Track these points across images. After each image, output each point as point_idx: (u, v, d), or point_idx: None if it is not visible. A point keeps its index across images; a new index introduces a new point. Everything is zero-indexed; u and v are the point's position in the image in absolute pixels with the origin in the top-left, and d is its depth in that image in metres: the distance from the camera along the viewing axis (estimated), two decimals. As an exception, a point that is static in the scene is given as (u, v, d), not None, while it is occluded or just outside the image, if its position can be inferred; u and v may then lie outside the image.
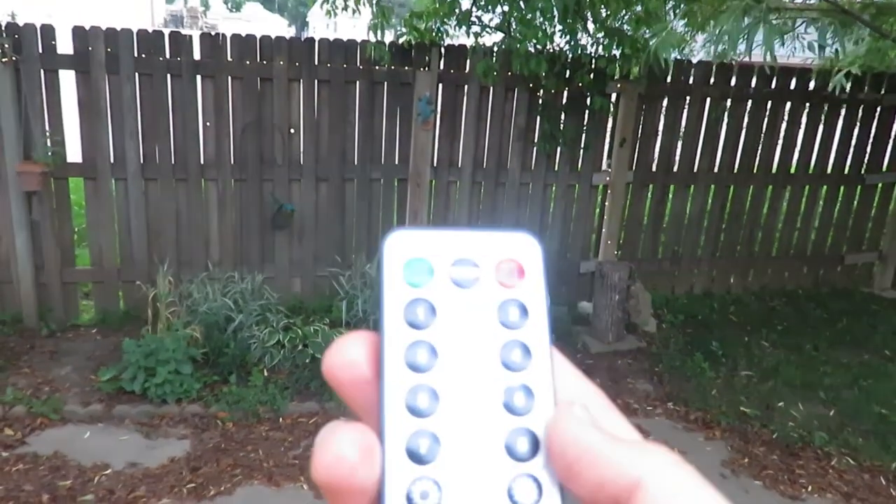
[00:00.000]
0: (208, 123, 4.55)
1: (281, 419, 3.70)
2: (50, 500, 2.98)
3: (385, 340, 0.28)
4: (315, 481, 0.26)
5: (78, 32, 4.23)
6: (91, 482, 3.12)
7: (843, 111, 5.65)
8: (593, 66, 4.86)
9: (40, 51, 4.19)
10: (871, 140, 5.80)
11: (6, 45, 4.06)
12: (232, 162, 4.62)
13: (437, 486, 0.27)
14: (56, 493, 3.02)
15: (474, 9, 4.83)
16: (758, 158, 5.58)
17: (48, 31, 4.20)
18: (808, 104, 5.54)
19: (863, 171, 5.87)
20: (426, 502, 0.26)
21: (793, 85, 5.46)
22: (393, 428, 0.27)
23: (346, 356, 0.28)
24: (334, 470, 0.26)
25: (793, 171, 5.74)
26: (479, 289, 0.29)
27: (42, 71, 4.22)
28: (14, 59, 4.11)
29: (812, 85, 5.46)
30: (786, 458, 3.64)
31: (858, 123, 5.71)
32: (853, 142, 5.76)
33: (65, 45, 4.23)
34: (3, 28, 4.12)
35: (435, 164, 4.92)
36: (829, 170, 5.81)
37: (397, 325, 0.28)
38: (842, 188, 5.89)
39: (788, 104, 5.50)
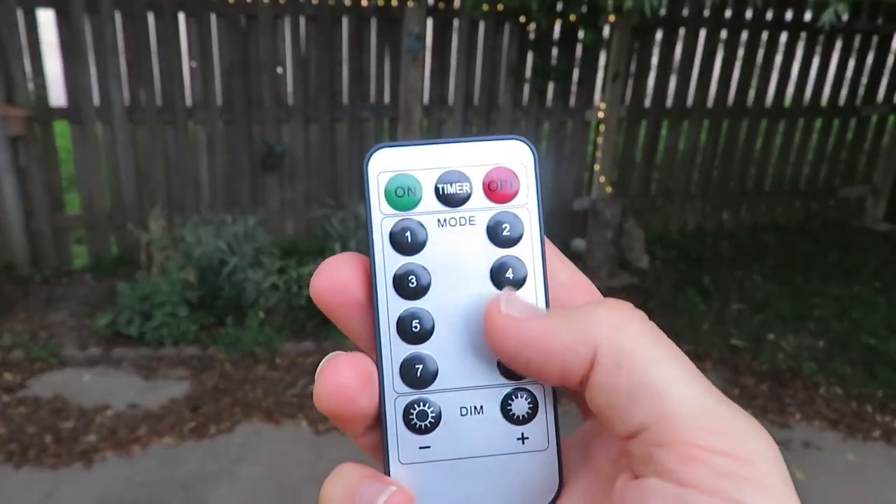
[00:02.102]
0: (193, 63, 4.45)
1: (278, 359, 3.75)
2: (53, 441, 3.03)
3: (375, 266, 0.27)
4: (319, 409, 0.27)
5: (54, -30, 4.10)
6: (93, 423, 3.16)
7: (838, 42, 5.57)
8: (586, -2, 4.75)
9: (17, -10, 4.07)
10: (866, 71, 5.73)
11: (-19, -15, 3.93)
12: (219, 103, 4.55)
13: (433, 406, 0.27)
14: (59, 435, 3.07)
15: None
16: (752, 92, 5.52)
17: (23, -31, 4.07)
18: (803, 34, 5.45)
19: (857, 104, 5.82)
20: (423, 423, 0.27)
21: (788, 15, 5.36)
22: (388, 354, 0.27)
23: (334, 279, 0.28)
24: (336, 398, 0.27)
25: (787, 104, 5.69)
26: (466, 211, 0.28)
27: (20, 11, 4.10)
28: (-10, -2, 3.99)
29: (808, 15, 5.36)
30: (775, 388, 3.71)
31: (854, 54, 5.63)
32: (848, 73, 5.69)
33: (42, -16, 4.11)
34: (-24, -34, 3.99)
35: (426, 102, 4.86)
36: (823, 102, 5.75)
37: (386, 250, 0.28)
38: (836, 121, 5.85)
39: (784, 35, 5.41)
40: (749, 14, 5.27)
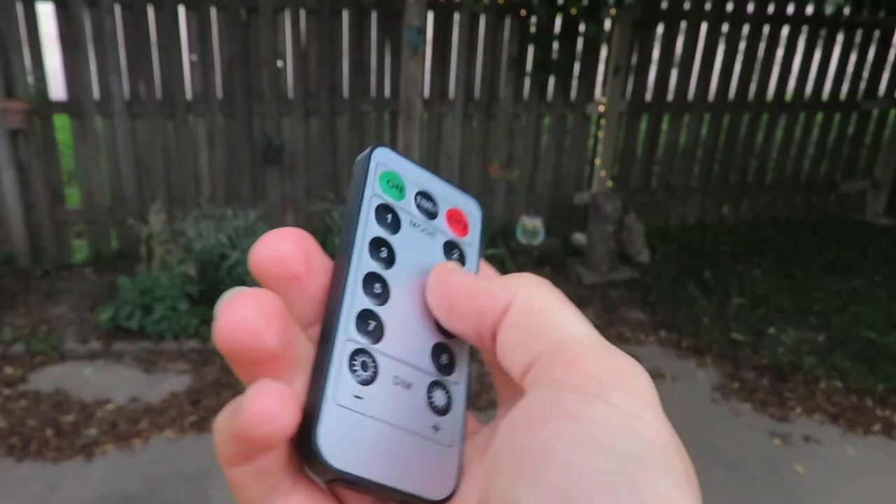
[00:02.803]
0: (194, 57, 4.44)
1: (279, 353, 3.74)
2: (54, 434, 3.04)
3: (357, 227, 0.30)
4: (219, 346, 0.26)
5: (54, -37, 4.09)
6: (93, 417, 3.17)
7: (840, 35, 5.55)
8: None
9: (16, -17, 4.05)
10: (867, 65, 5.72)
11: (-20, -23, 3.92)
12: (219, 96, 4.54)
13: (374, 362, 0.29)
14: (60, 429, 3.07)
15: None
16: (753, 86, 5.51)
17: (23, -38, 4.05)
18: (805, 28, 5.44)
19: (858, 98, 5.81)
20: (364, 373, 0.28)
21: (790, 9, 5.34)
22: (350, 302, 0.29)
23: (277, 251, 0.28)
24: (237, 334, 0.26)
25: (788, 98, 5.68)
26: (432, 225, 0.33)
27: (19, 4, 4.09)
28: (-11, -9, 3.98)
29: (810, 8, 5.35)
30: (775, 382, 3.71)
31: (856, 48, 5.62)
32: (850, 67, 5.68)
33: (41, -23, 4.10)
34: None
35: (426, 96, 4.84)
36: (824, 97, 5.74)
37: (370, 219, 0.31)
38: (837, 115, 5.84)
39: (786, 29, 5.40)
40: (751, 8, 5.26)
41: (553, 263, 4.92)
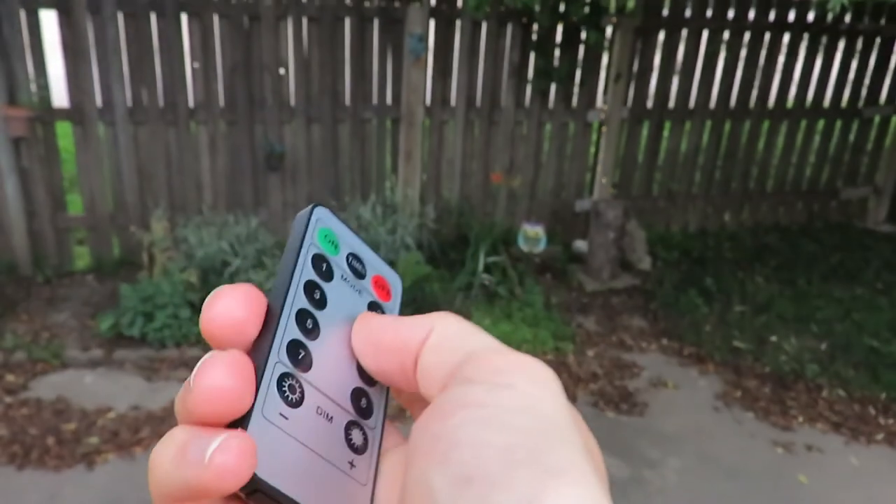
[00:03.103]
0: (196, 64, 4.45)
1: (280, 361, 3.74)
2: (55, 442, 3.03)
3: (295, 268, 0.33)
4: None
5: (57, -30, 4.10)
6: (95, 425, 3.16)
7: (841, 43, 5.56)
8: (588, -1, 4.75)
9: (19, -10, 4.07)
10: (869, 72, 5.72)
11: (-17, -15, 3.93)
12: (221, 104, 4.55)
13: (300, 389, 0.30)
14: (61, 437, 3.07)
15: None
16: (754, 93, 5.51)
17: (26, -30, 4.07)
18: (806, 35, 5.44)
19: (860, 105, 5.81)
20: (291, 396, 0.30)
21: (791, 16, 5.35)
22: (283, 331, 0.31)
23: (232, 317, 0.30)
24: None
25: (789, 105, 5.68)
26: (360, 284, 0.36)
27: (22, 12, 4.10)
28: (-8, -1, 3.99)
29: (811, 16, 5.36)
30: (778, 391, 3.71)
31: (857, 55, 5.63)
32: (851, 74, 5.69)
33: (44, -15, 4.11)
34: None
35: (428, 104, 4.85)
36: (826, 103, 5.75)
37: (306, 265, 0.33)
38: (838, 122, 5.84)
39: (787, 36, 5.41)
40: (752, 15, 5.26)
41: (554, 270, 4.91)
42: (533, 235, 4.61)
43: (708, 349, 4.05)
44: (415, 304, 4.13)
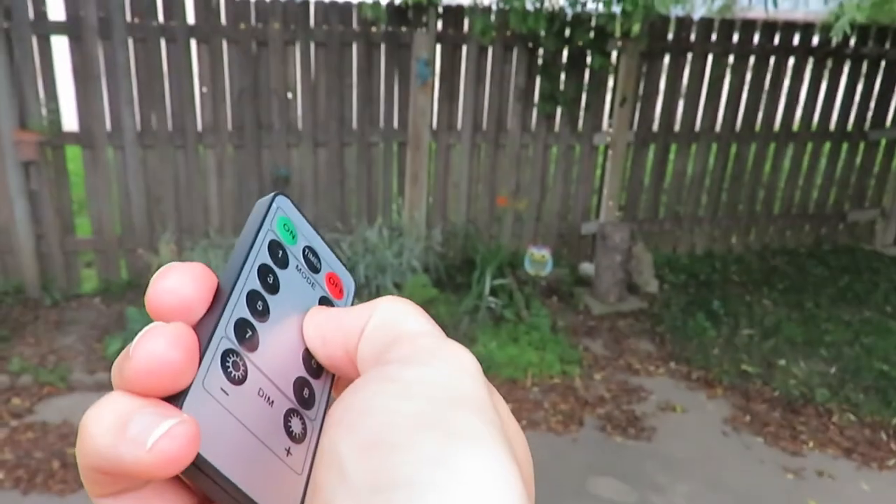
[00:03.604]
0: (205, 89, 4.49)
1: (286, 384, 3.73)
2: (60, 466, 3.02)
3: (250, 252, 0.33)
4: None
5: (69, -3, 4.17)
6: (100, 449, 3.15)
7: (846, 66, 5.58)
8: (593, 24, 4.79)
9: (31, 17, 4.12)
10: (874, 95, 5.74)
11: (-4, 12, 3.99)
12: (229, 128, 4.58)
13: (244, 367, 0.30)
14: (66, 461, 3.06)
15: (472, -33, 4.74)
16: (760, 116, 5.53)
17: (38, -3, 4.13)
18: (811, 59, 5.47)
19: (866, 128, 5.81)
20: (233, 373, 0.29)
21: (796, 40, 5.38)
22: (231, 308, 0.30)
23: (181, 294, 0.29)
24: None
25: (795, 128, 5.69)
26: (314, 277, 0.36)
27: (34, 38, 4.16)
28: (5, 26, 4.05)
29: (816, 40, 5.39)
30: (787, 415, 3.67)
31: (863, 78, 5.64)
32: (856, 97, 5.70)
33: (56, 11, 4.17)
34: (-8, -6, 4.05)
35: (434, 127, 4.88)
36: (831, 126, 5.75)
37: (262, 249, 0.33)
38: (844, 145, 5.84)
39: (791, 59, 5.43)
40: (756, 39, 5.29)
41: (561, 293, 4.90)
42: (539, 258, 4.60)
43: (716, 373, 4.02)
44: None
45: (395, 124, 4.83)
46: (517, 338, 4.19)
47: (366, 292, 4.47)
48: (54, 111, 4.28)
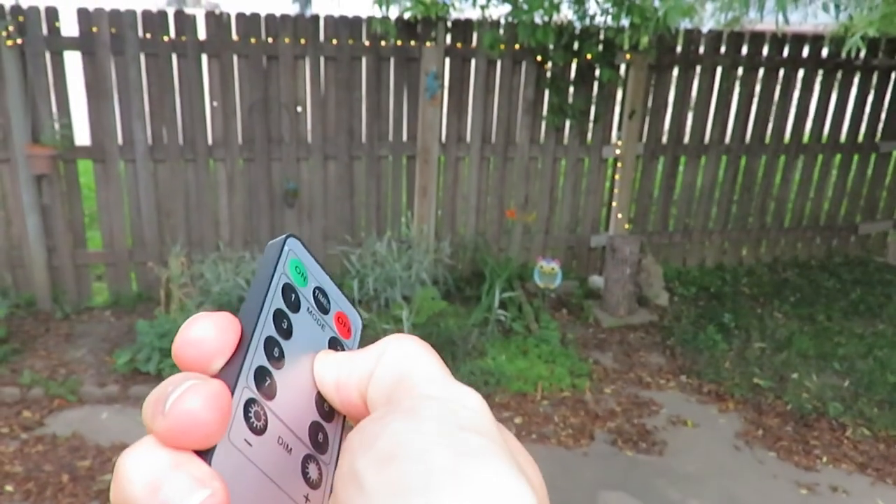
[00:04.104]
0: (215, 103, 4.53)
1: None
2: (70, 479, 3.02)
3: (266, 299, 0.33)
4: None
5: (82, 14, 4.21)
6: (110, 462, 3.15)
7: (856, 78, 5.56)
8: (601, 37, 4.80)
9: (45, 33, 4.17)
10: (885, 107, 5.71)
11: (11, 28, 4.04)
12: (240, 141, 4.61)
13: (264, 417, 0.30)
14: (75, 474, 3.06)
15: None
16: (770, 128, 5.51)
17: (52, 13, 4.18)
18: (821, 71, 5.45)
19: (877, 139, 5.79)
20: (255, 423, 0.29)
21: (805, 52, 5.37)
22: (251, 358, 0.31)
23: (208, 346, 0.30)
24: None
25: (805, 140, 5.67)
26: (323, 318, 0.37)
27: (48, 53, 4.21)
28: (19, 42, 4.10)
29: (825, 52, 5.38)
30: (800, 430, 3.63)
31: (872, 90, 5.62)
32: (867, 109, 5.68)
33: (69, 27, 4.22)
34: (7, 11, 4.10)
35: (443, 140, 4.89)
36: (842, 138, 5.73)
37: (276, 294, 0.34)
38: (855, 157, 5.82)
39: (801, 72, 5.42)
40: (765, 51, 5.29)
41: (570, 306, 4.89)
42: (549, 271, 4.59)
43: (728, 386, 3.99)
44: (430, 339, 4.11)
45: (404, 137, 4.84)
46: (527, 351, 4.17)
47: (375, 305, 4.47)
48: (67, 126, 4.32)
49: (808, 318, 4.84)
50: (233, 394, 0.29)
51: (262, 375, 0.31)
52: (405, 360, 0.32)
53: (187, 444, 0.26)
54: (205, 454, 0.27)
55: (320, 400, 0.34)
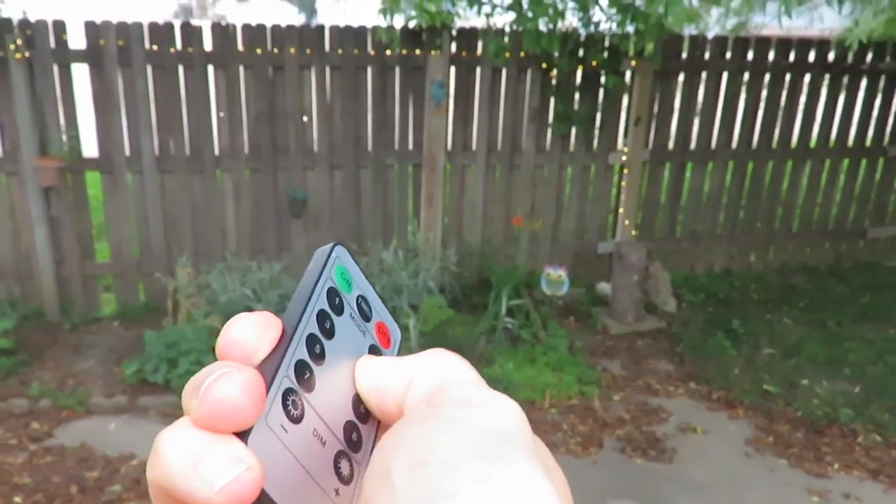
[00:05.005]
0: (222, 114, 4.55)
1: (303, 407, 3.72)
2: (78, 491, 3.02)
3: (311, 299, 0.34)
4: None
5: (90, 27, 4.24)
6: (118, 472, 3.15)
7: (863, 82, 5.54)
8: (606, 43, 4.80)
9: (53, 46, 4.20)
10: (892, 111, 5.69)
11: (19, 42, 4.07)
12: (246, 152, 4.63)
13: (301, 407, 0.31)
14: (84, 485, 3.06)
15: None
16: (776, 133, 5.50)
17: (60, 27, 4.21)
18: (827, 76, 5.44)
19: (885, 143, 5.76)
20: (293, 411, 0.30)
21: (811, 57, 5.36)
22: (293, 350, 0.32)
23: (249, 342, 0.31)
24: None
25: (813, 145, 5.65)
26: (365, 325, 0.38)
27: (55, 66, 4.24)
28: (27, 55, 4.13)
29: (832, 56, 5.36)
30: (811, 436, 3.60)
31: (880, 94, 5.60)
32: (874, 113, 5.65)
33: (77, 40, 4.25)
34: (15, 24, 4.14)
35: (449, 148, 4.90)
36: (850, 142, 5.71)
37: (321, 296, 0.35)
38: (863, 161, 5.79)
39: (807, 76, 5.40)
40: (771, 56, 5.27)
41: (578, 314, 4.87)
42: (556, 278, 4.58)
43: (737, 393, 3.96)
44: (437, 347, 4.10)
45: (410, 146, 4.85)
46: (534, 358, 4.16)
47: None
48: (74, 137, 4.34)
49: (818, 323, 4.81)
50: (273, 380, 0.30)
51: (302, 368, 0.32)
52: (444, 370, 0.33)
53: (221, 426, 0.27)
54: (242, 436, 0.28)
55: (357, 401, 0.35)
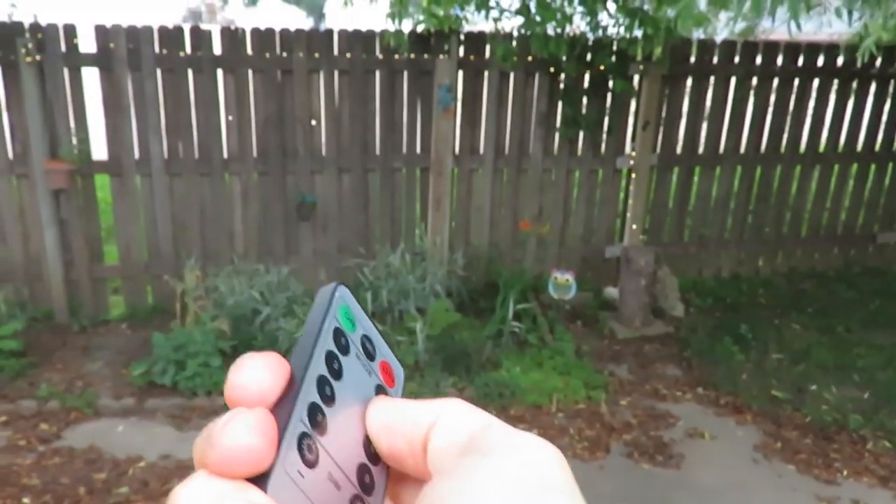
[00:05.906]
0: (230, 118, 4.57)
1: (309, 410, 3.72)
2: (86, 492, 3.04)
3: (318, 339, 0.34)
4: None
5: (100, 30, 4.27)
6: (125, 474, 3.16)
7: (872, 87, 5.52)
8: (614, 48, 4.80)
9: (63, 49, 4.23)
10: (902, 116, 5.66)
11: (30, 45, 4.10)
12: (254, 155, 4.64)
13: (315, 451, 0.31)
14: (92, 486, 3.07)
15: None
16: (785, 138, 5.48)
17: (70, 30, 4.24)
18: (836, 80, 5.42)
19: (894, 148, 5.73)
20: (308, 456, 0.30)
21: (820, 61, 5.34)
22: (305, 395, 0.31)
23: (258, 386, 0.30)
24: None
25: (821, 149, 5.63)
26: (370, 365, 0.38)
27: (66, 69, 4.27)
28: (38, 58, 4.16)
29: (840, 61, 5.34)
30: (820, 442, 3.58)
31: (889, 99, 5.58)
32: (884, 118, 5.63)
33: (87, 44, 4.27)
34: (26, 28, 4.17)
35: (457, 152, 4.90)
36: (859, 147, 5.68)
37: (328, 337, 0.35)
38: (872, 166, 5.76)
39: (816, 81, 5.39)
40: (780, 60, 5.26)
41: (585, 318, 4.86)
42: (563, 283, 4.58)
43: (745, 398, 3.95)
44: (444, 352, 4.10)
45: (418, 150, 4.86)
46: (541, 363, 4.15)
47: (389, 317, 4.47)
48: (84, 140, 4.37)
49: (827, 329, 4.79)
50: (288, 424, 0.30)
51: (314, 411, 0.32)
52: (469, 418, 0.33)
53: (238, 471, 0.27)
54: (260, 483, 0.28)
55: (368, 443, 0.35)
